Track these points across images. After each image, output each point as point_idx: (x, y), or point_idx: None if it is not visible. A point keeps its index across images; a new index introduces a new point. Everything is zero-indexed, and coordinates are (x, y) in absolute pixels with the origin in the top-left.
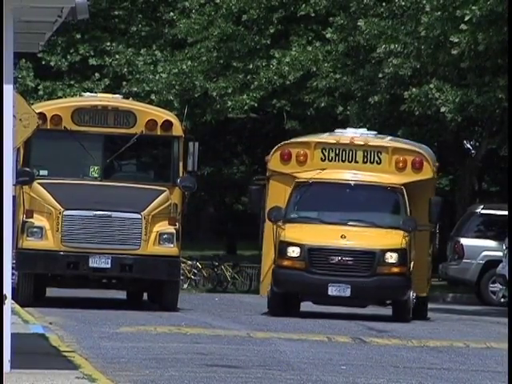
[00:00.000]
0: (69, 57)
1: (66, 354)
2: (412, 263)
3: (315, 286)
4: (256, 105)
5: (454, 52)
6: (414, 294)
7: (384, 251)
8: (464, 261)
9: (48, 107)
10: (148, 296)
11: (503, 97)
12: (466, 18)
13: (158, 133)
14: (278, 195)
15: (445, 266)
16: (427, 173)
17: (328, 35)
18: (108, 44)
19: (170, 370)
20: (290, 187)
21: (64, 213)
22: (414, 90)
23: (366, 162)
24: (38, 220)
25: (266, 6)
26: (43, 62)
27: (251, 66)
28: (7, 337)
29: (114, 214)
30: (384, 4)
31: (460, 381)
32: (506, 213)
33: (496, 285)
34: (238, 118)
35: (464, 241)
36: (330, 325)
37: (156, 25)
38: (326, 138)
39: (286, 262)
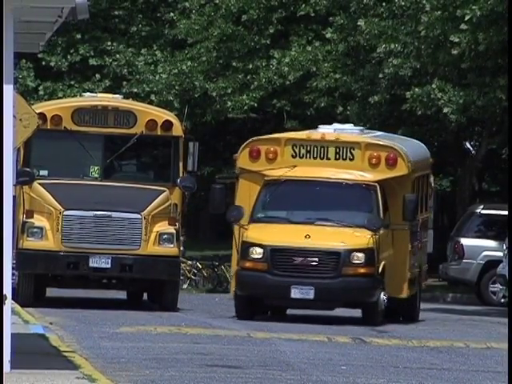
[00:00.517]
0: (69, 57)
1: (66, 354)
2: (383, 263)
3: (277, 289)
4: (256, 105)
5: (455, 52)
6: (386, 296)
7: (350, 251)
8: (464, 261)
9: (48, 107)
10: (148, 296)
11: (503, 97)
12: (467, 18)
13: (158, 133)
14: (247, 194)
15: (445, 266)
16: (401, 169)
17: (328, 35)
18: (108, 44)
19: (170, 370)
20: (260, 185)
21: (64, 213)
22: (416, 90)
23: (338, 159)
24: (38, 220)
25: (266, 6)
26: (43, 63)
27: (251, 66)
28: (7, 337)
29: (114, 214)
30: (384, 4)
31: (460, 381)
32: (506, 213)
33: (496, 285)
34: (237, 118)
35: (464, 241)
36: (330, 325)
37: (156, 25)
38: (296, 134)
39: (248, 264)
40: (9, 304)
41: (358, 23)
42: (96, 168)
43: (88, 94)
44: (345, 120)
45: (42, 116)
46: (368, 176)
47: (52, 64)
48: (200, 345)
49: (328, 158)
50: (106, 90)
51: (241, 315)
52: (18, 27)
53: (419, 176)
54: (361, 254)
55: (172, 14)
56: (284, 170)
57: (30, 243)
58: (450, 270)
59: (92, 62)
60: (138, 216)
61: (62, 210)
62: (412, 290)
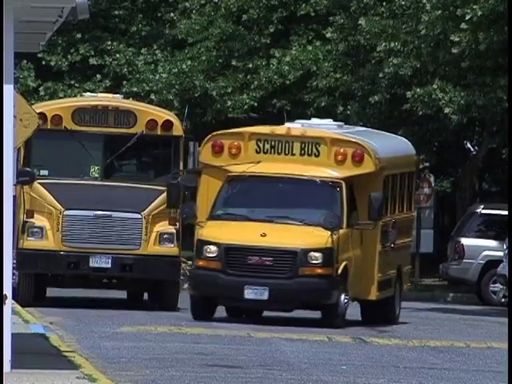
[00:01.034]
0: (69, 56)
1: (66, 353)
2: (344, 264)
3: (230, 289)
4: (256, 104)
5: (455, 51)
6: (347, 298)
7: (307, 251)
8: (464, 261)
9: (48, 107)
10: (148, 296)
11: (504, 97)
12: (467, 17)
13: (159, 133)
14: (209, 190)
15: (445, 266)
16: (368, 166)
17: (328, 35)
18: (108, 44)
19: (171, 370)
20: (222, 181)
21: (64, 213)
22: (417, 90)
23: (304, 155)
24: (39, 220)
25: (266, 5)
26: (43, 62)
27: (251, 66)
28: (8, 337)
29: (115, 214)
30: (384, 4)
31: (461, 381)
32: (506, 213)
33: (497, 285)
34: (238, 118)
35: (464, 241)
36: (330, 324)
37: (156, 25)
38: (260, 128)
39: (201, 263)
40: (9, 304)
41: (359, 22)
42: (96, 168)
43: (88, 93)
44: (345, 119)
45: (42, 116)
46: (334, 173)
47: (52, 64)
48: (200, 345)
49: (293, 154)
50: (107, 90)
51: (196, 316)
52: (19, 27)
53: (395, 174)
54: (318, 254)
55: (172, 14)
56: (247, 165)
57: (31, 243)
58: (450, 269)
59: (92, 61)
60: (139, 216)
61: (63, 209)
62: (384, 292)
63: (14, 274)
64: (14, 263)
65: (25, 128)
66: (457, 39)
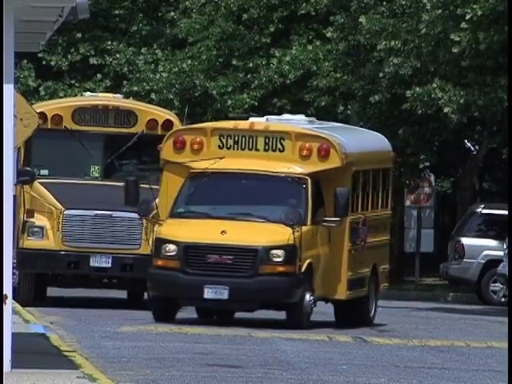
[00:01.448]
0: (69, 56)
1: (66, 353)
2: (308, 262)
3: (189, 288)
4: (256, 104)
5: (455, 50)
6: (313, 298)
7: (268, 248)
8: (465, 260)
9: (49, 107)
10: (148, 296)
11: (504, 96)
12: (467, 17)
13: (159, 132)
14: (170, 187)
15: (446, 266)
16: (334, 161)
17: (328, 34)
18: (109, 43)
19: (171, 370)
20: (184, 178)
21: (65, 212)
22: (417, 89)
23: (268, 150)
24: (39, 219)
25: (267, 4)
26: (44, 62)
27: (251, 65)
28: (8, 336)
29: (115, 214)
30: (385, 3)
31: (461, 380)
32: (506, 212)
33: (497, 284)
34: (238, 117)
35: (465, 240)
36: (330, 324)
37: (157, 24)
38: (223, 123)
39: (160, 262)
40: (9, 303)
41: (360, 20)
42: (97, 167)
43: (89, 93)
44: (345, 119)
45: (42, 115)
46: (298, 168)
47: (52, 63)
48: (201, 344)
49: (257, 150)
50: (107, 90)
51: (158, 317)
52: (19, 26)
53: (367, 170)
54: (280, 252)
55: (172, 14)
56: (210, 161)
57: (31, 243)
58: (450, 269)
59: (92, 61)
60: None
61: (63, 209)
62: (356, 291)
63: (14, 274)
64: (14, 263)
65: (25, 128)
66: (457, 39)
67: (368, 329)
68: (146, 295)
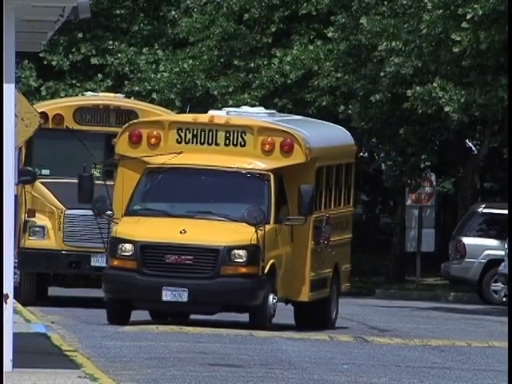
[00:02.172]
0: (70, 56)
1: (67, 353)
2: (271, 262)
3: (147, 290)
4: (257, 104)
5: (456, 50)
6: (275, 299)
7: (230, 249)
8: (466, 260)
9: (50, 106)
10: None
11: (505, 96)
12: (468, 17)
13: None
14: (126, 183)
15: (447, 265)
16: (298, 157)
17: (329, 34)
18: (110, 43)
19: (172, 369)
20: (140, 174)
21: (66, 212)
22: (417, 88)
23: (229, 145)
24: (40, 219)
25: (268, 4)
26: (45, 62)
27: (253, 65)
28: (9, 336)
29: None
30: (386, 3)
31: (462, 380)
32: (507, 212)
33: (498, 284)
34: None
35: (466, 240)
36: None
37: (158, 24)
38: (181, 116)
39: (116, 262)
40: (10, 303)
41: (360, 21)
42: (98, 167)
43: (90, 93)
44: (346, 119)
45: (43, 115)
46: (261, 164)
47: (54, 63)
48: (202, 344)
49: (217, 144)
50: (108, 90)
51: (112, 320)
52: (20, 26)
53: (331, 165)
54: (242, 252)
55: (174, 13)
56: (167, 156)
57: (32, 242)
58: (451, 268)
59: (94, 61)
60: None
61: (64, 209)
62: (318, 293)
63: (15, 274)
64: (15, 262)
65: (26, 127)
66: (458, 38)
67: (369, 328)
68: None
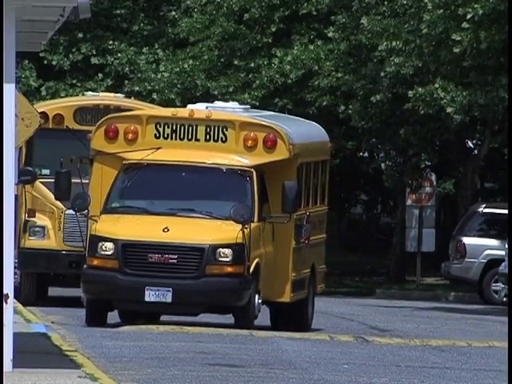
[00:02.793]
0: (71, 56)
1: (68, 353)
2: (256, 261)
3: (129, 291)
4: (257, 103)
5: (456, 50)
6: (260, 300)
7: (215, 247)
8: (466, 260)
9: (50, 106)
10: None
11: (506, 96)
12: (468, 17)
13: None
14: (102, 180)
15: (447, 265)
16: (282, 153)
17: (330, 34)
18: (110, 43)
19: (172, 369)
20: (117, 170)
21: (66, 212)
22: (419, 89)
23: (209, 140)
24: (40, 219)
25: (268, 4)
26: (45, 62)
27: (253, 65)
28: (9, 336)
29: None
30: (386, 3)
31: (462, 380)
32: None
33: (498, 284)
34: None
35: (466, 240)
36: (332, 324)
37: (158, 24)
38: (160, 110)
39: (96, 261)
40: (11, 303)
41: (361, 21)
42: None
43: (90, 93)
44: (347, 119)
45: (43, 115)
46: (243, 160)
47: (54, 63)
48: (202, 343)
49: (197, 140)
50: (108, 89)
51: (91, 321)
52: (20, 26)
53: (309, 162)
54: (228, 251)
55: (174, 13)
56: (146, 152)
57: (32, 242)
58: (452, 268)
59: (94, 60)
60: None
61: (64, 209)
62: (298, 293)
63: (15, 274)
64: (15, 262)
65: (26, 127)
66: (458, 38)
67: (369, 328)
68: None
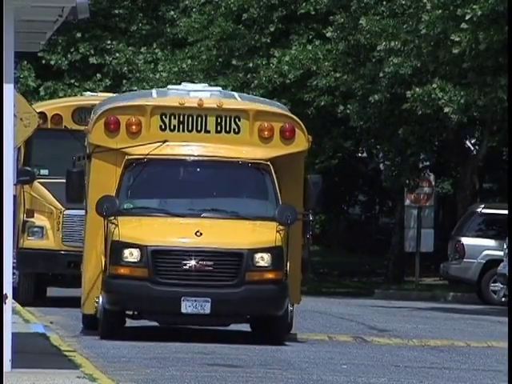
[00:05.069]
0: (69, 56)
1: (66, 353)
2: (289, 265)
3: (163, 302)
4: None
5: (455, 51)
6: (292, 307)
7: (253, 252)
8: (465, 260)
9: (49, 106)
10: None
11: (504, 97)
12: (467, 17)
13: None
14: (102, 178)
15: (446, 266)
16: (301, 143)
17: (328, 34)
18: (108, 43)
19: (171, 369)
20: (120, 167)
21: (65, 212)
22: (417, 89)
23: (221, 132)
24: (39, 219)
25: (266, 4)
26: (43, 62)
27: (251, 65)
28: (8, 336)
29: None
30: (385, 3)
31: (461, 380)
32: (506, 212)
33: (497, 284)
34: None
35: (465, 240)
36: (330, 324)
37: (157, 24)
38: (166, 99)
39: (122, 270)
40: (9, 303)
41: (359, 21)
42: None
43: (88, 93)
44: (345, 119)
45: (42, 115)
46: (260, 153)
47: (52, 63)
48: (201, 344)
49: (207, 131)
50: (107, 89)
51: (106, 334)
52: (19, 26)
53: None
54: (267, 255)
55: (172, 13)
56: (151, 146)
57: (31, 242)
58: (450, 269)
59: (92, 60)
60: None
61: (63, 209)
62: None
63: (14, 274)
64: (14, 263)
65: (25, 127)
66: (457, 39)
67: (368, 328)
68: None
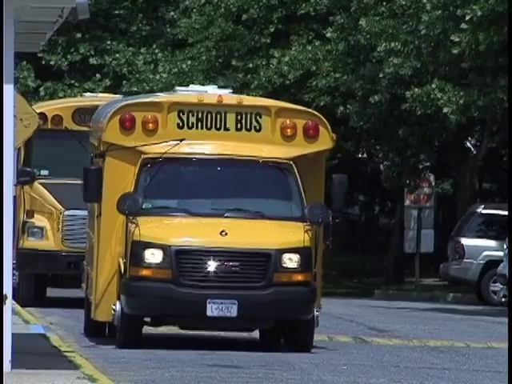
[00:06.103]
0: (69, 56)
1: (66, 354)
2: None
3: (187, 304)
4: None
5: (455, 51)
6: (318, 311)
7: (281, 252)
8: (465, 261)
9: (49, 107)
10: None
11: (504, 97)
12: (467, 18)
13: None
14: (117, 178)
15: (445, 266)
16: (325, 142)
17: (328, 34)
18: (108, 43)
19: (171, 370)
20: (136, 166)
21: (65, 213)
22: (416, 90)
23: (241, 129)
24: (39, 220)
25: (266, 5)
26: (43, 62)
27: (251, 66)
28: (8, 337)
29: None
30: (384, 3)
31: (461, 380)
32: (506, 213)
33: (497, 284)
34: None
35: (465, 241)
36: (330, 324)
37: (156, 24)
38: (183, 96)
39: (143, 272)
40: (9, 304)
41: (359, 22)
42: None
43: (88, 93)
44: (345, 119)
45: (42, 116)
46: (281, 151)
47: (52, 63)
48: (201, 345)
49: (227, 129)
50: (107, 90)
51: (129, 341)
52: (19, 27)
53: None
54: (295, 256)
55: (172, 14)
56: (168, 144)
57: (31, 243)
58: (450, 269)
59: (92, 61)
60: None
61: (63, 209)
62: None
63: (14, 274)
64: (13, 263)
65: (25, 128)
66: (457, 39)
67: (368, 329)
68: None
